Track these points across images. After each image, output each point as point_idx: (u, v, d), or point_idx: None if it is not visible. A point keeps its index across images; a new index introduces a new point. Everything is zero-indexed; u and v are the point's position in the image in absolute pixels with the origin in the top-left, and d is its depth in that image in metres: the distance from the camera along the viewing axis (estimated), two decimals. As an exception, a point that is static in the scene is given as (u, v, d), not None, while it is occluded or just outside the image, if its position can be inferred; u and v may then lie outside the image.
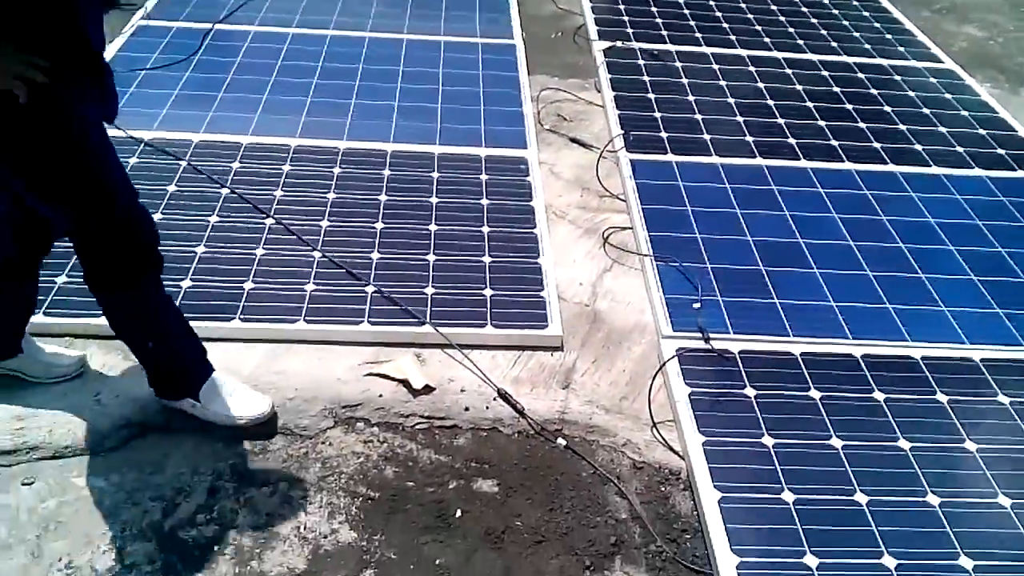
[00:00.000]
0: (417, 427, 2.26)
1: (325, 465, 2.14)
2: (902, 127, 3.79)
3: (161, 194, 2.93)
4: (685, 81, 4.04)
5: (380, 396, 2.32)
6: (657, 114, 3.74)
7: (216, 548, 1.92)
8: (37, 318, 2.37)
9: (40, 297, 2.44)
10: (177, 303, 2.45)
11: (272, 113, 3.46)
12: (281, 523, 1.99)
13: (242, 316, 2.47)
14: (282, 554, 1.92)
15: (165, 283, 2.04)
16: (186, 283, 2.56)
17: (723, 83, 4.05)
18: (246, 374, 2.33)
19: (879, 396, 2.38)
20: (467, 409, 2.32)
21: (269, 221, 2.85)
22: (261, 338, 2.44)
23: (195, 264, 2.63)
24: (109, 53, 3.82)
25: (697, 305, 2.67)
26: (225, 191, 2.97)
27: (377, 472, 2.13)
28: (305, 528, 1.98)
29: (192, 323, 2.40)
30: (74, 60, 1.73)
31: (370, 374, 2.38)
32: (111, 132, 1.94)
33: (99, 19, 1.81)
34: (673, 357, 2.46)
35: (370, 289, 2.60)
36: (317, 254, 2.73)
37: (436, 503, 2.07)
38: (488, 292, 2.66)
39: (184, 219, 2.82)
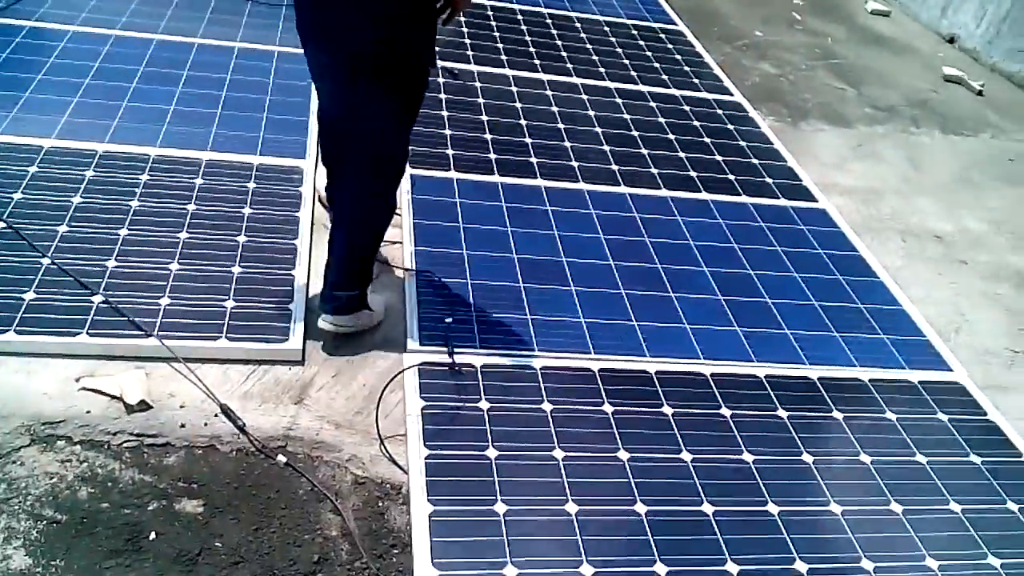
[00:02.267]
0: (124, 445, 2.13)
1: (11, 486, 1.98)
2: (681, 154, 3.96)
3: None
4: (481, 101, 4.08)
5: (88, 412, 2.18)
6: (447, 132, 3.76)
7: None
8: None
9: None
10: None
11: (31, 112, 3.25)
12: (-56, 550, 1.82)
13: (-58, 326, 2.28)
14: (-62, 584, 1.76)
15: None
16: None
17: (518, 105, 4.11)
18: (-64, 388, 2.14)
19: (608, 409, 2.45)
20: (183, 426, 2.21)
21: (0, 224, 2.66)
22: (-39, 349, 2.26)
23: None
24: None
25: (449, 320, 2.67)
26: (-47, 192, 2.75)
27: (70, 493, 2.00)
28: (-28, 555, 1.83)
29: None
30: None
31: (84, 388, 2.24)
32: None
33: None
34: (409, 368, 2.44)
35: (97, 299, 2.46)
36: (46, 260, 2.56)
37: (129, 526, 1.95)
38: (229, 304, 2.56)
39: None
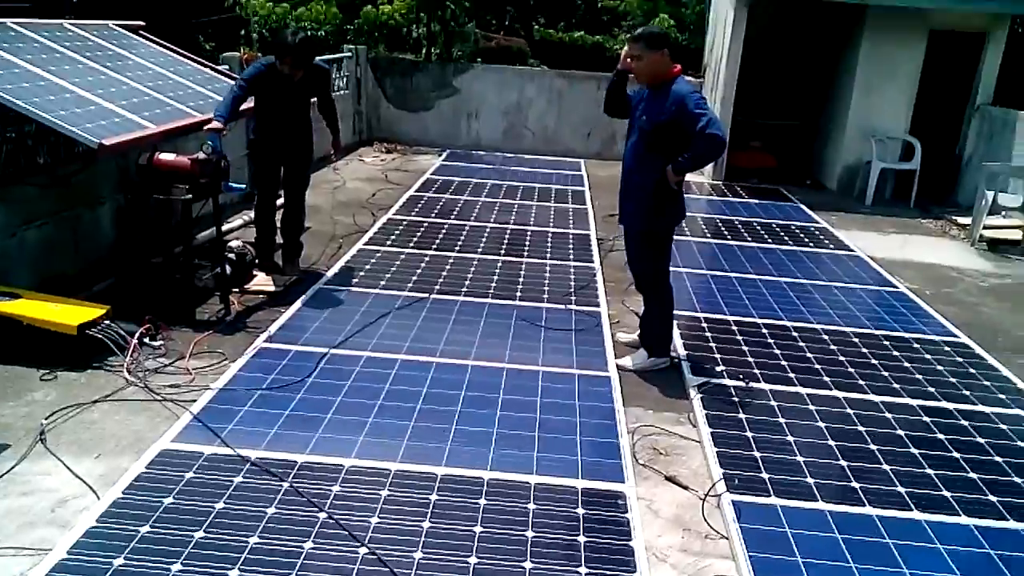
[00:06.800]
0: None
1: None
2: (1016, 479, 3.61)
3: (260, 516, 2.95)
4: (782, 420, 4.02)
5: None
6: (756, 453, 3.70)
7: None
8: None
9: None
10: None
11: (376, 437, 3.56)
12: None
13: (327, 656, 2.35)
14: None
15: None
16: (274, 614, 2.48)
17: (821, 424, 4.01)
18: None
19: None
20: None
21: (363, 550, 2.81)
22: None
23: (285, 594, 2.57)
24: (230, 373, 4.10)
25: (818, 676, 2.42)
26: (323, 516, 2.98)
27: None
28: None
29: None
30: None
31: None
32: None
33: None
34: None
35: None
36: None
37: None
38: (586, 645, 2.48)
39: (279, 545, 2.81)
